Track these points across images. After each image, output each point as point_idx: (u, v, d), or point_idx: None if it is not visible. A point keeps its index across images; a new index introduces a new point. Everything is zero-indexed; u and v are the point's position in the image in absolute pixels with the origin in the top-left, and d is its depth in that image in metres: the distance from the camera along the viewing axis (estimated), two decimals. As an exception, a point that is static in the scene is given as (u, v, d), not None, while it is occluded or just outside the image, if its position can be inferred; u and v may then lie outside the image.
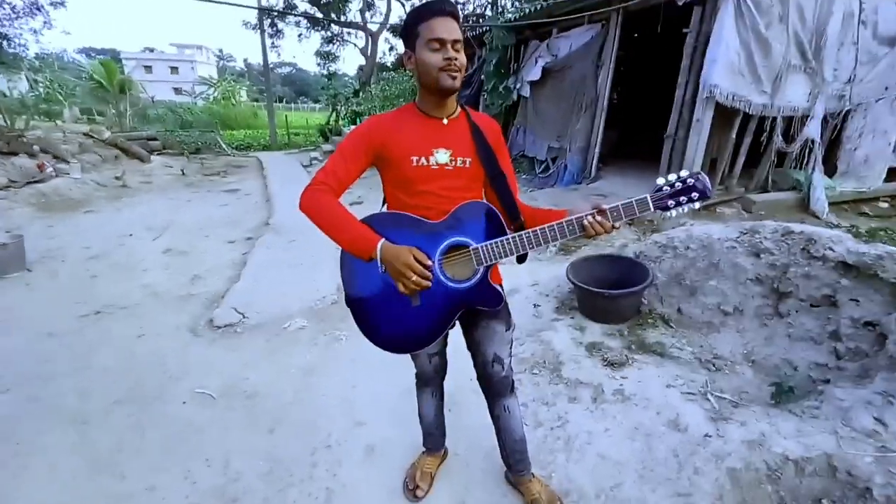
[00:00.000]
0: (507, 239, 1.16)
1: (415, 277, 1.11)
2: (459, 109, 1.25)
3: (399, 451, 1.89)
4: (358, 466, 1.85)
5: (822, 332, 2.26)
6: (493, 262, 1.18)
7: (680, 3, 3.79)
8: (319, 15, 14.12)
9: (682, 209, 1.08)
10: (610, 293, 2.69)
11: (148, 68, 38.39)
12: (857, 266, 2.20)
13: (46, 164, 6.69)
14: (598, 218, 1.12)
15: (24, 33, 10.83)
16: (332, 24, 14.27)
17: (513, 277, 3.49)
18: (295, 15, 13.97)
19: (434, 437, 1.73)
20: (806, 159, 4.29)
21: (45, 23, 10.80)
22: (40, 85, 17.38)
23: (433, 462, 1.75)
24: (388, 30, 14.67)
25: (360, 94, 12.26)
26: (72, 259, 4.32)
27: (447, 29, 1.10)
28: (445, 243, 1.19)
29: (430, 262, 1.14)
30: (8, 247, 3.76)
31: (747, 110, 3.89)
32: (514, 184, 1.33)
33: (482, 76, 7.67)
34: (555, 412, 2.08)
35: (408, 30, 1.15)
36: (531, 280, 3.49)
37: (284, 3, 13.76)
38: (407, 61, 1.19)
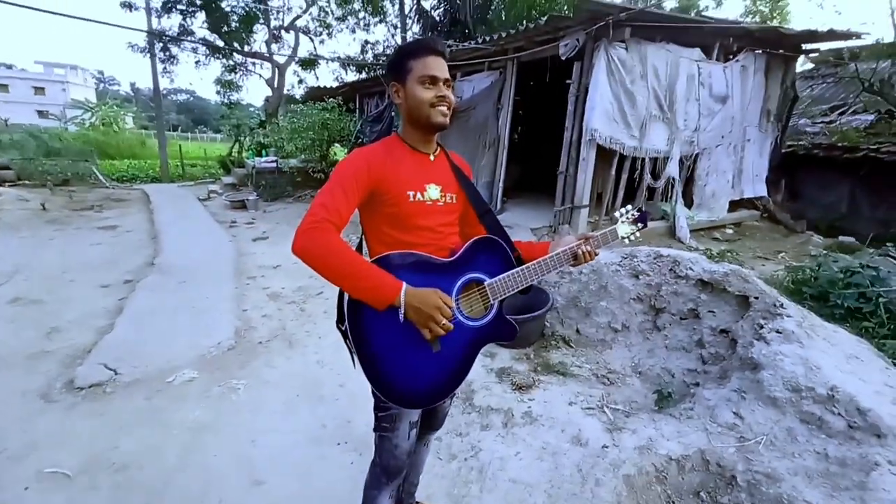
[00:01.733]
0: (517, 272, 1.17)
1: (444, 321, 1.03)
2: (439, 148, 1.26)
3: (302, 506, 1.73)
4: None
5: (691, 341, 2.60)
6: (506, 295, 1.17)
7: (563, 59, 4.34)
8: (220, 43, 13.48)
9: (636, 234, 1.33)
10: (515, 319, 2.82)
11: (3, 87, 32.93)
12: (711, 283, 2.59)
13: None
14: (587, 247, 1.21)
15: None
16: (235, 54, 13.70)
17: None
18: (191, 42, 13.16)
19: None
20: (669, 194, 5.05)
21: None
22: None
23: None
24: (296, 63, 14.48)
25: (266, 125, 11.78)
26: None
27: (440, 68, 1.13)
28: (462, 280, 1.15)
29: (454, 304, 1.09)
30: None
31: (622, 151, 4.51)
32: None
33: (392, 113, 7.87)
34: (468, 442, 2.09)
35: (399, 64, 1.15)
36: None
37: (179, 27, 12.91)
38: (394, 94, 1.18)
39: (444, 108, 1.14)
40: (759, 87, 5.63)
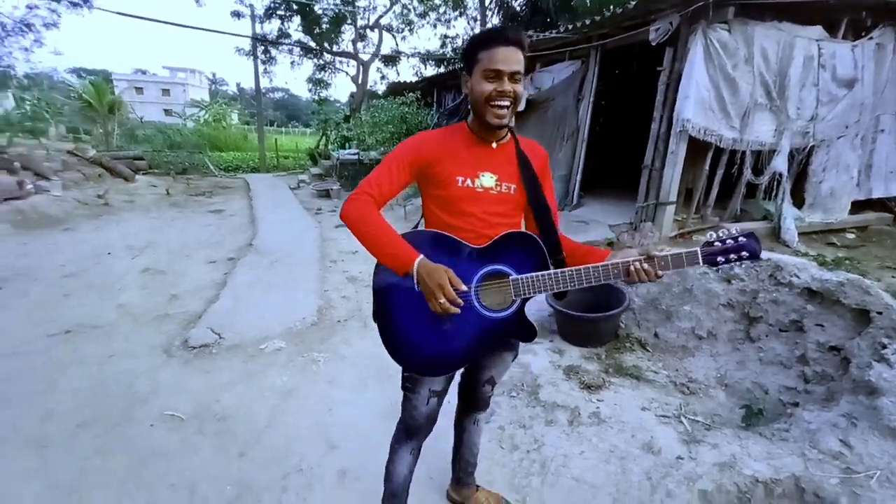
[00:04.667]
0: (549, 274, 1.12)
1: (443, 300, 1.06)
2: (509, 135, 1.24)
3: (371, 478, 1.85)
4: (329, 492, 1.80)
5: (791, 356, 2.32)
6: (531, 295, 1.15)
7: (653, 44, 4.03)
8: (313, 44, 14.50)
9: (730, 266, 1.09)
10: (589, 317, 2.73)
11: (139, 90, 38.54)
12: (821, 293, 2.29)
13: (27, 181, 6.60)
14: (646, 265, 1.08)
15: (13, 51, 10.84)
16: (325, 53, 14.65)
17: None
18: (288, 44, 14.31)
19: (399, 501, 1.48)
20: (775, 191, 4.48)
21: (35, 41, 10.85)
22: (27, 103, 17.27)
23: None
24: (379, 59, 15.12)
25: (350, 119, 12.49)
26: (45, 277, 4.21)
27: (507, 59, 1.08)
28: (484, 270, 1.16)
29: (463, 288, 1.10)
30: (-22, 263, 3.65)
31: (719, 143, 4.09)
32: (556, 215, 1.29)
33: (468, 106, 7.91)
34: (531, 435, 2.08)
35: (469, 53, 1.14)
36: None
37: (278, 31, 14.13)
38: (464, 85, 1.18)
39: (501, 107, 1.09)
40: (901, 69, 4.75)
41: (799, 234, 4.38)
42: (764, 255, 2.59)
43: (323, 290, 3.94)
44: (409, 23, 14.71)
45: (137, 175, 9.46)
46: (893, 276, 3.95)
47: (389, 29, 14.94)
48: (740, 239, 1.08)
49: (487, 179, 1.19)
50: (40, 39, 10.90)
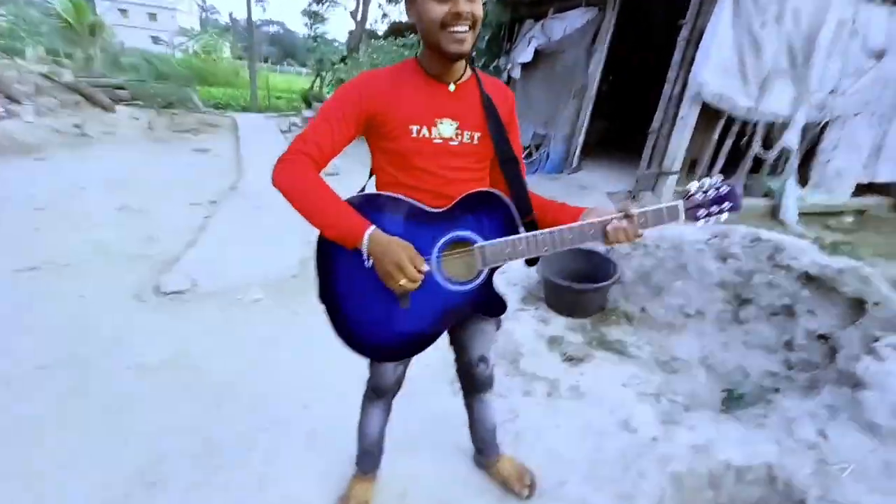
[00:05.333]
0: (519, 239, 0.98)
1: (403, 281, 0.92)
2: (470, 72, 1.05)
3: (341, 437, 1.80)
4: (297, 452, 1.76)
5: (778, 341, 2.27)
6: (500, 263, 1.02)
7: (678, -6, 3.69)
8: (310, -29, 13.37)
9: (711, 220, 0.99)
10: (576, 287, 2.65)
11: (123, 12, 35.84)
12: (818, 278, 2.20)
13: (-4, 104, 6.17)
14: (625, 223, 0.96)
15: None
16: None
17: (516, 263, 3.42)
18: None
19: (372, 457, 1.51)
20: (780, 168, 4.31)
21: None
22: (2, 19, 16.03)
23: (368, 488, 1.53)
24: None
25: (347, 60, 11.77)
26: (13, 209, 4.00)
27: None
28: (447, 237, 1.02)
29: (424, 267, 0.95)
30: (-63, 190, 3.42)
31: (731, 112, 3.86)
32: (524, 169, 1.14)
33: (473, 53, 7.42)
34: (507, 405, 2.04)
35: None
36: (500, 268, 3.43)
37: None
38: (408, 10, 0.98)
39: (459, 31, 0.89)
40: (935, 43, 4.43)
41: (798, 214, 4.27)
42: (764, 234, 2.48)
43: (307, 240, 3.80)
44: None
45: (118, 105, 8.92)
46: (886, 264, 3.90)
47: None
48: (722, 189, 0.98)
49: (446, 128, 1.00)
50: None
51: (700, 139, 4.20)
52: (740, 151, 4.28)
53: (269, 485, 1.61)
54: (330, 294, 1.08)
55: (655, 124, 4.17)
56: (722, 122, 4.03)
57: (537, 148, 5.85)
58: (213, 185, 5.31)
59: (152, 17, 37.66)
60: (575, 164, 5.31)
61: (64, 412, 1.86)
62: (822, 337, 2.12)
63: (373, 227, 0.93)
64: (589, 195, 4.56)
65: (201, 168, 6.17)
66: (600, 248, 3.26)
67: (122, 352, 2.25)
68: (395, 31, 10.42)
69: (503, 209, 1.03)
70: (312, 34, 14.89)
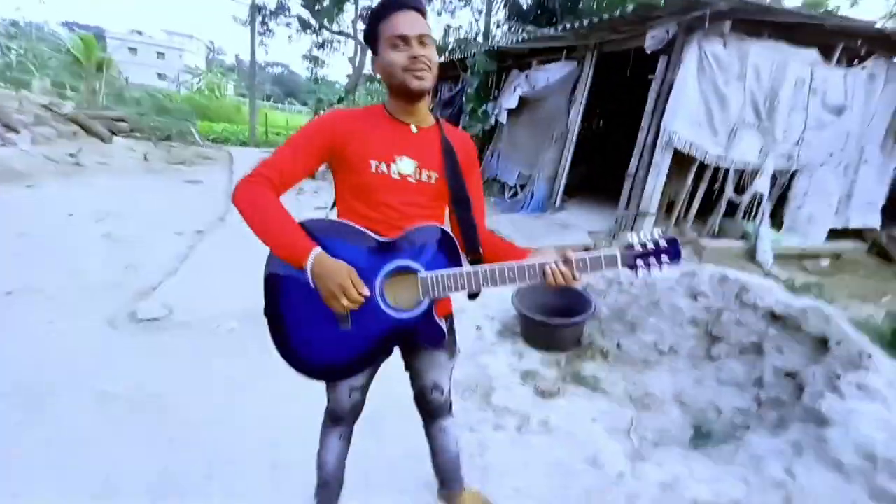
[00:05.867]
0: (461, 272, 1.04)
1: (345, 301, 0.96)
2: (433, 121, 1.15)
3: (305, 472, 1.75)
4: (257, 486, 1.71)
5: (748, 378, 2.29)
6: (442, 295, 1.06)
7: (648, 52, 3.97)
8: (312, 21, 14.15)
9: (650, 271, 1.04)
10: (551, 322, 2.67)
11: (133, 50, 37.30)
12: (783, 317, 2.26)
13: (-7, 132, 6.28)
14: (563, 267, 1.02)
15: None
16: (324, 30, 14.30)
17: (462, 297, 3.44)
18: (286, 17, 13.95)
19: (330, 490, 1.46)
20: (755, 212, 4.49)
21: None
22: (12, 52, 16.59)
23: None
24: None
25: (344, 101, 12.25)
26: (-5, 233, 3.99)
27: (410, 24, 1.00)
28: (392, 265, 1.06)
29: (366, 292, 0.99)
30: (-80, 213, 3.43)
31: (703, 159, 4.07)
32: (482, 209, 1.22)
33: (463, 98, 7.79)
34: (477, 439, 2.01)
35: (370, 31, 1.06)
36: (480, 301, 3.44)
37: (277, 2, 13.75)
38: (375, 69, 1.09)
39: (419, 70, 1.01)
40: (889, 102, 4.78)
41: (774, 256, 4.40)
42: (731, 273, 2.56)
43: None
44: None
45: (116, 137, 9.11)
46: (860, 307, 3.98)
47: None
48: (661, 243, 1.03)
49: (406, 165, 1.08)
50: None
51: (675, 182, 4.39)
52: (715, 195, 4.47)
53: (223, 518, 1.55)
54: (274, 313, 1.11)
55: (632, 168, 4.37)
56: (695, 168, 4.24)
57: (522, 188, 6.04)
58: (201, 216, 5.36)
59: (160, 55, 39.20)
60: (558, 204, 5.48)
61: (17, 441, 1.80)
62: (790, 374, 2.15)
63: (318, 249, 0.98)
64: (570, 234, 4.67)
65: (192, 199, 6.24)
66: (576, 284, 3.31)
67: (86, 380, 2.20)
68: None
69: (448, 243, 1.08)
70: (313, 77, 15.56)
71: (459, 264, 1.07)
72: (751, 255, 4.40)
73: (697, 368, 2.50)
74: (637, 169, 4.33)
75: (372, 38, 1.06)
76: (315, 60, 15.11)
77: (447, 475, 1.57)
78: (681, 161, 4.18)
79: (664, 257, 1.04)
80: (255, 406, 2.13)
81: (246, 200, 1.00)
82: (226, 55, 53.86)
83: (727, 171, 4.29)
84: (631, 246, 1.04)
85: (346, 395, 1.30)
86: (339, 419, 1.37)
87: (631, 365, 2.66)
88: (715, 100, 3.89)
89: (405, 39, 1.00)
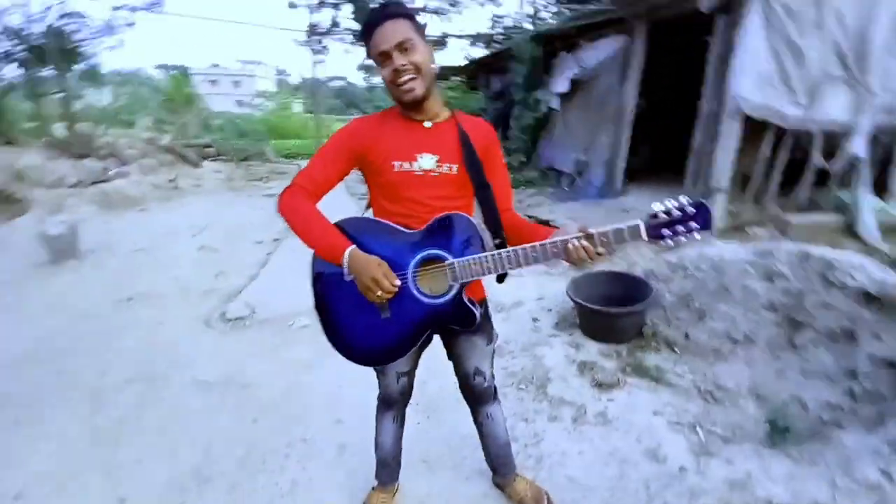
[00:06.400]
0: (485, 256, 1.08)
1: (379, 293, 1.05)
2: (448, 114, 1.20)
3: (368, 452, 1.91)
4: (327, 463, 1.88)
5: (839, 369, 2.05)
6: (469, 279, 1.11)
7: (705, 11, 3.61)
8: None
9: (680, 240, 0.99)
10: (608, 311, 2.59)
11: (213, 82, 41.42)
12: (880, 297, 1.98)
13: (111, 167, 7.42)
14: (583, 242, 1.01)
15: (101, 51, 12.03)
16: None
17: (519, 290, 3.44)
18: (338, 33, 14.62)
19: (389, 469, 1.59)
20: (851, 178, 3.91)
21: (119, 41, 11.96)
22: (122, 97, 19.23)
23: (386, 499, 1.62)
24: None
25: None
26: (118, 251, 4.74)
27: (387, 36, 1.04)
28: (421, 255, 1.13)
29: (397, 282, 1.07)
30: (62, 237, 4.19)
31: (781, 123, 3.62)
32: (507, 190, 1.28)
33: (513, 88, 7.67)
34: (532, 429, 2.03)
35: (366, 48, 1.11)
36: (537, 294, 3.43)
37: (331, 21, 14.48)
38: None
39: (403, 82, 1.05)
40: None
41: (882, 228, 3.80)
42: (815, 250, 2.30)
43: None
44: (454, 3, 14.25)
45: (204, 161, 10.27)
46: None
47: (436, 11, 14.70)
48: (688, 209, 0.97)
49: (427, 161, 1.13)
50: (122, 40, 12.02)
51: (750, 153, 3.97)
52: (801, 164, 3.97)
53: (301, 489, 1.74)
54: (322, 306, 1.24)
55: (696, 142, 4.02)
56: (772, 134, 3.79)
57: (580, 175, 5.83)
58: (278, 225, 5.87)
59: (236, 84, 43.12)
60: (619, 188, 5.21)
61: (139, 418, 2.17)
62: (891, 364, 1.89)
63: (352, 247, 1.08)
64: (632, 220, 4.42)
65: (268, 211, 6.84)
66: (637, 270, 3.16)
67: (188, 370, 2.56)
68: (441, 76, 11.07)
69: (471, 229, 1.13)
70: (368, 85, 16.21)
71: (483, 248, 1.12)
72: (849, 229, 3.85)
73: (778, 359, 2.28)
74: (702, 143, 3.98)
75: (368, 53, 1.12)
76: (369, 69, 15.69)
77: (498, 461, 1.62)
78: (754, 128, 3.76)
79: (693, 224, 0.97)
80: (323, 391, 2.35)
81: (287, 209, 1.13)
82: (291, 75, 57.87)
83: (813, 134, 3.78)
84: (655, 215, 0.99)
85: (395, 380, 1.40)
86: (391, 403, 1.48)
87: (700, 356, 2.49)
88: (789, 55, 3.43)
89: (385, 55, 1.05)
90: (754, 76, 3.43)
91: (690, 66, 4.88)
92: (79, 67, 11.46)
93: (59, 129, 9.88)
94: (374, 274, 1.04)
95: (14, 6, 10.05)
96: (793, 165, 4.00)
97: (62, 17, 10.43)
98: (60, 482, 1.78)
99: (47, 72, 10.50)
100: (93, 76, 12.29)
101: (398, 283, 1.08)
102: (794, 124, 3.65)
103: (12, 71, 10.47)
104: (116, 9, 11.04)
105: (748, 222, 4.01)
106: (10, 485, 1.77)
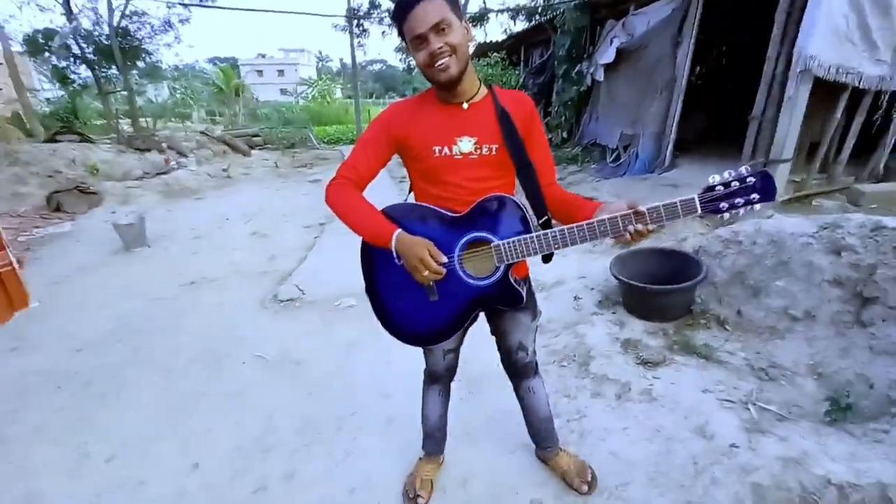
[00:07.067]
0: (531, 237, 1.08)
1: (427, 273, 1.08)
2: (485, 91, 1.17)
3: (414, 425, 2.01)
4: (376, 435, 2.00)
5: (913, 346, 1.89)
6: (515, 260, 1.12)
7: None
8: (402, 11, 14.55)
9: (738, 212, 0.95)
10: (653, 289, 2.52)
11: (260, 72, 42.85)
12: (967, 270, 1.80)
13: (171, 159, 7.96)
14: (634, 220, 0.99)
15: (160, 48, 12.77)
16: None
17: (561, 269, 3.41)
18: (377, 15, 14.62)
19: (435, 440, 1.67)
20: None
21: (175, 37, 12.64)
22: (178, 92, 20.37)
23: (433, 469, 1.69)
24: (467, 20, 14.66)
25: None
26: (180, 238, 5.12)
27: (421, 19, 1.01)
28: (466, 238, 1.14)
29: (444, 260, 1.10)
30: (134, 227, 4.59)
31: (858, 84, 3.27)
32: (550, 170, 1.25)
33: (555, 62, 7.38)
34: (574, 406, 2.04)
35: (398, 31, 1.09)
36: (580, 272, 3.38)
37: (369, 3, 14.49)
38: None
39: (440, 64, 1.03)
40: None
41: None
42: (890, 221, 2.10)
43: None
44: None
45: (253, 150, 10.77)
46: None
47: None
48: (748, 179, 0.92)
49: (466, 144, 1.13)
50: (178, 35, 12.68)
51: (819, 119, 3.63)
52: (878, 128, 3.59)
53: (353, 458, 1.87)
54: (373, 290, 1.28)
55: (757, 110, 3.72)
56: (846, 98, 3.44)
57: (625, 149, 5.58)
58: (323, 210, 6.05)
59: (280, 72, 44.35)
60: (667, 161, 4.95)
61: (207, 391, 2.38)
62: (977, 341, 1.72)
63: (399, 230, 1.11)
64: (681, 195, 4.19)
65: (314, 196, 7.12)
66: (686, 247, 3.03)
67: (247, 347, 2.77)
68: (480, 52, 10.82)
69: (515, 210, 1.12)
70: (406, 67, 16.15)
71: (529, 229, 1.11)
72: (937, 198, 3.47)
73: (843, 336, 2.13)
74: (765, 109, 3.69)
75: (401, 36, 1.10)
76: (406, 51, 15.62)
77: (540, 434, 1.65)
78: (827, 90, 3.42)
79: (754, 196, 0.93)
80: (371, 368, 2.47)
81: (335, 201, 1.17)
82: (332, 61, 58.64)
83: (894, 95, 3.40)
84: (711, 188, 0.95)
85: (441, 357, 1.45)
86: (437, 378, 1.54)
87: (754, 333, 2.38)
88: (871, 6, 3.07)
89: (421, 38, 1.03)
90: (828, 32, 3.10)
91: (751, 27, 4.48)
92: (141, 65, 12.25)
93: (124, 125, 10.69)
94: (421, 254, 1.08)
95: (85, 9, 10.85)
96: (867, 130, 3.63)
97: (126, 16, 11.14)
98: (144, 447, 1.99)
99: (112, 71, 11.29)
100: (153, 73, 13.09)
101: (444, 259, 1.11)
102: (873, 84, 3.28)
103: (83, 71, 11.38)
104: (171, 5, 11.62)
105: (814, 193, 3.70)
106: (102, 448, 2.00)
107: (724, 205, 0.96)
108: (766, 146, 3.66)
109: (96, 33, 10.95)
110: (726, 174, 0.95)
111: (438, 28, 1.02)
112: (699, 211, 0.97)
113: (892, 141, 3.61)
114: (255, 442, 1.99)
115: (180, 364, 2.64)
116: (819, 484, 1.46)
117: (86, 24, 11.00)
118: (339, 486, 1.73)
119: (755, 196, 0.93)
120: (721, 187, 0.95)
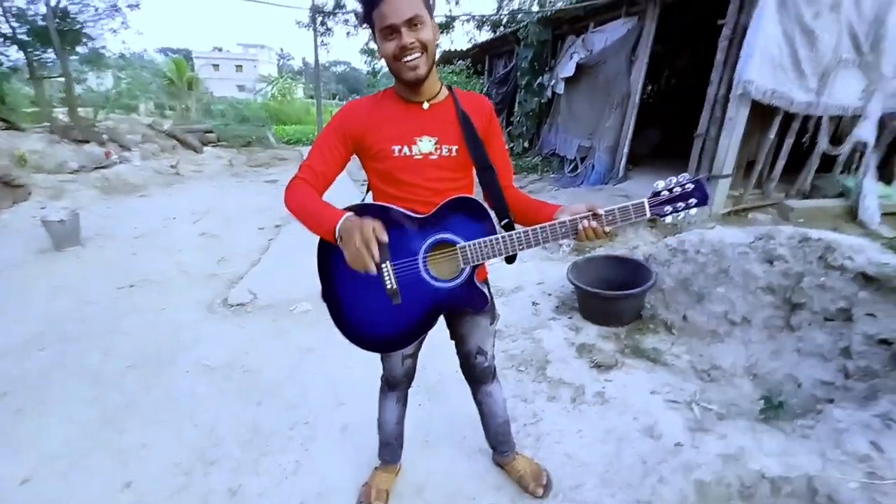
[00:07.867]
0: (496, 238, 1.08)
1: (358, 243, 0.93)
2: (446, 92, 1.15)
3: (371, 432, 1.95)
4: (330, 444, 1.92)
5: (834, 348, 2.07)
6: (480, 262, 1.12)
7: (717, -6, 3.57)
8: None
9: (679, 216, 1.06)
10: (607, 294, 2.61)
11: (216, 66, 40.96)
12: (877, 278, 2.00)
13: (112, 153, 7.40)
14: (593, 222, 1.03)
15: (104, 33, 11.88)
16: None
17: (519, 275, 3.46)
18: (343, 13, 14.43)
19: (391, 449, 1.63)
20: (856, 164, 3.89)
21: (122, 23, 11.80)
22: (123, 82, 19.00)
23: (389, 478, 1.65)
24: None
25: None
26: (120, 237, 4.76)
27: (397, 10, 0.97)
28: (431, 240, 1.12)
29: (385, 238, 0.97)
30: (65, 223, 4.21)
31: (789, 108, 3.59)
32: (508, 172, 1.26)
33: (517, 73, 7.57)
34: (531, 409, 2.07)
35: (366, 17, 1.04)
36: (538, 278, 3.45)
37: (334, 2, 14.26)
38: (379, 56, 1.16)
39: (410, 59, 1.00)
40: None
41: (882, 214, 3.80)
42: (814, 233, 2.30)
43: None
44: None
45: (206, 147, 10.23)
46: None
47: (443, -6, 14.49)
48: (687, 186, 1.03)
49: (426, 144, 1.11)
50: (126, 21, 11.86)
51: (755, 139, 3.94)
52: (806, 149, 3.94)
53: (304, 470, 1.78)
54: (332, 294, 1.22)
55: (702, 128, 3.99)
56: (778, 120, 3.76)
57: (582, 160, 5.80)
58: (279, 211, 5.86)
59: (238, 68, 42.63)
60: (621, 174, 5.19)
61: (144, 402, 2.20)
62: (885, 342, 1.91)
63: (348, 213, 1.02)
64: (608, 207, 4.41)
65: (269, 197, 6.86)
66: (637, 255, 3.17)
67: (193, 353, 2.60)
68: (445, 60, 10.94)
69: (479, 212, 1.12)
70: (371, 70, 16.00)
71: (493, 230, 1.11)
72: (852, 214, 3.85)
73: (774, 339, 2.30)
74: (708, 128, 3.95)
75: (368, 23, 1.05)
76: (371, 53, 15.49)
77: (498, 439, 1.65)
78: (761, 113, 3.73)
79: (692, 200, 1.03)
80: (326, 375, 2.38)
81: (290, 201, 1.10)
82: (294, 59, 57.17)
83: (820, 119, 3.75)
84: (657, 193, 1.04)
85: (400, 363, 1.41)
86: (395, 385, 1.49)
87: (698, 337, 2.52)
88: (801, 38, 3.39)
89: (392, 29, 0.99)
90: (765, 59, 3.38)
91: (699, 50, 4.81)
92: (82, 51, 11.32)
93: (60, 114, 9.84)
94: (363, 228, 0.94)
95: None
96: (797, 151, 3.98)
97: (65, -3, 10.26)
98: (66, 467, 1.80)
99: (49, 54, 10.37)
100: (95, 60, 12.14)
101: (385, 238, 0.98)
102: (802, 109, 3.62)
103: (13, 53, 10.36)
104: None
105: (750, 207, 4.00)
106: (17, 470, 1.78)
107: (668, 208, 1.05)
108: (710, 162, 3.93)
109: (31, 13, 10.04)
110: (669, 180, 1.05)
111: (412, 23, 0.99)
112: (648, 213, 1.05)
113: (817, 161, 3.98)
114: (196, 456, 1.85)
115: (114, 372, 2.43)
116: (755, 478, 1.55)
117: (19, 1, 10.07)
118: (289, 500, 1.65)
119: (693, 200, 1.04)
120: (666, 192, 1.04)
